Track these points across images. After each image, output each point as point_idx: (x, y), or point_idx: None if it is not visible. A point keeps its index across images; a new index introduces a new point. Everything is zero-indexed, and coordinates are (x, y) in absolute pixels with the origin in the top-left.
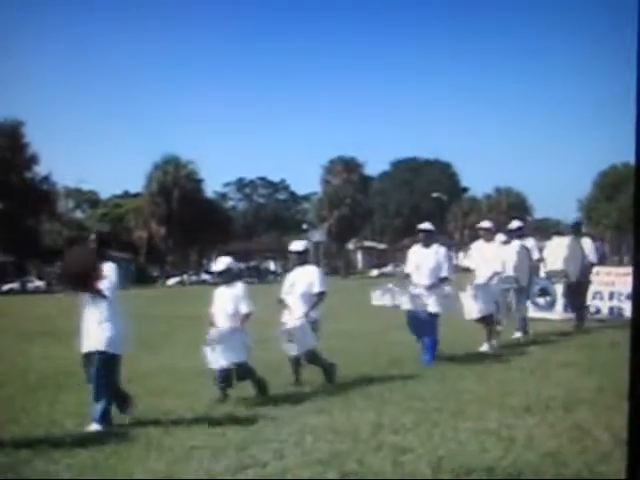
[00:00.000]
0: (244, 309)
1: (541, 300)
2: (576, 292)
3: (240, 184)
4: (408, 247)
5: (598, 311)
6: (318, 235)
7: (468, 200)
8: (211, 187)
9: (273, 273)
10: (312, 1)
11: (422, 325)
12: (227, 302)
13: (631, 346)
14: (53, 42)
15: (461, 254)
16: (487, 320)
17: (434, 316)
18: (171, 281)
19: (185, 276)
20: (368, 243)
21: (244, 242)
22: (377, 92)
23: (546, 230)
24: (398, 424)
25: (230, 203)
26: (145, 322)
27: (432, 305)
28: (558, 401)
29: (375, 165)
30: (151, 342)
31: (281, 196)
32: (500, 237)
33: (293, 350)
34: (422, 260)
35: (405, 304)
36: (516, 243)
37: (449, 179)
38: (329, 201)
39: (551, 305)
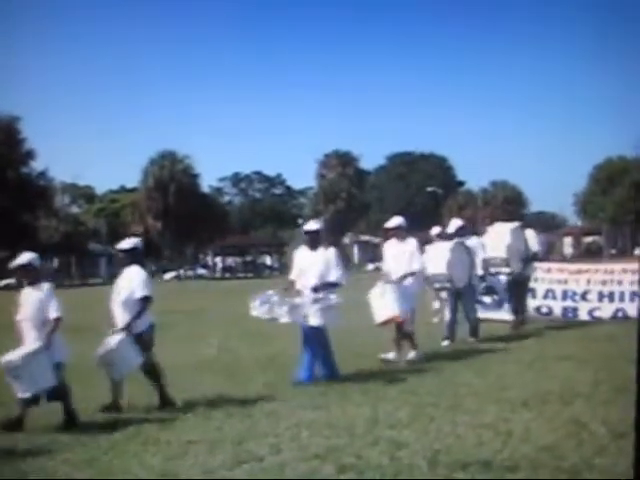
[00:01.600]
0: (52, 314)
1: (487, 299)
2: (517, 285)
3: (236, 179)
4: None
5: (550, 312)
6: None
7: (464, 194)
8: (207, 182)
9: (269, 267)
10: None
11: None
12: (33, 307)
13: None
14: (50, 39)
15: None
16: (398, 325)
17: (317, 330)
18: (167, 275)
19: (181, 271)
20: (364, 237)
21: (240, 237)
22: (372, 86)
23: (542, 224)
24: (394, 419)
25: (226, 198)
26: None
27: (313, 317)
28: (555, 395)
29: (371, 159)
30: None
31: (277, 191)
32: (435, 232)
33: (113, 375)
34: (308, 265)
35: (283, 316)
36: (450, 242)
37: (445, 173)
38: (325, 195)
39: (499, 304)
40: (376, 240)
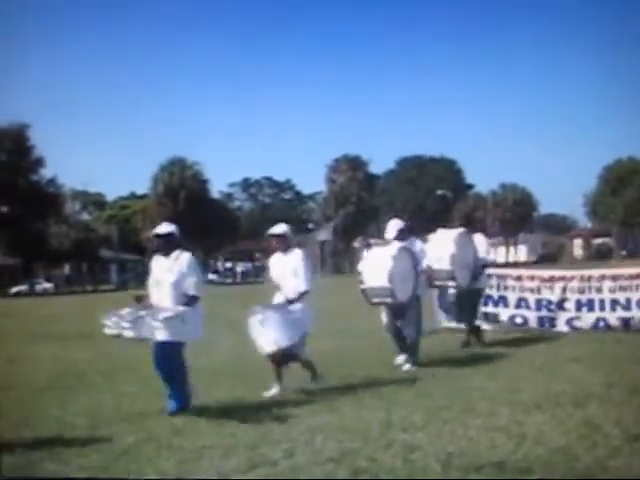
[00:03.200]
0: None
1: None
2: (466, 299)
3: (246, 184)
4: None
5: (525, 321)
6: (324, 234)
7: (473, 197)
8: (217, 187)
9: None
10: None
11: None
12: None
13: None
14: (59, 46)
15: None
16: (284, 357)
17: (164, 346)
18: None
19: None
20: (374, 241)
21: (250, 242)
22: (381, 90)
23: (553, 226)
24: (408, 422)
25: (236, 203)
26: None
27: (159, 331)
28: (567, 396)
29: (380, 163)
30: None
31: (287, 196)
32: (357, 244)
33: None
34: (162, 274)
35: (127, 330)
36: (392, 247)
37: (454, 176)
38: (335, 200)
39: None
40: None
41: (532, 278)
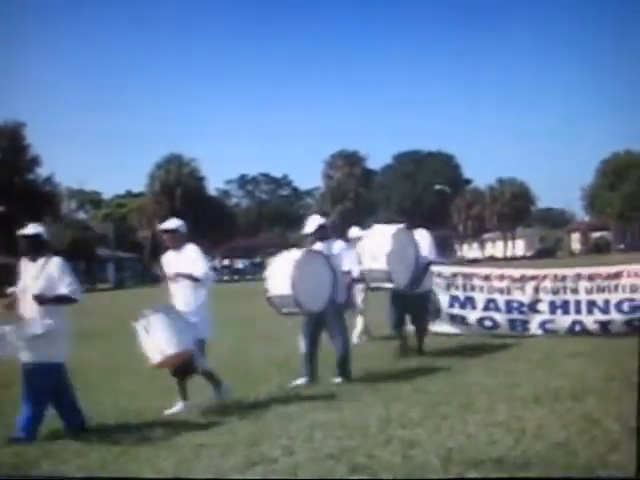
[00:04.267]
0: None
1: None
2: (408, 304)
3: (242, 181)
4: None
5: (495, 324)
6: None
7: (471, 192)
8: (213, 185)
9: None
10: None
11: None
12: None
13: None
14: (54, 43)
15: (465, 246)
16: (183, 368)
17: (33, 368)
18: None
19: None
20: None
21: (248, 239)
22: (377, 85)
23: (550, 220)
24: (406, 418)
25: (233, 200)
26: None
27: (24, 351)
28: (566, 391)
29: (377, 158)
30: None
31: (284, 192)
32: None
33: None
34: (29, 281)
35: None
36: (299, 251)
37: (452, 171)
38: (332, 195)
39: (435, 314)
40: None
41: (501, 278)
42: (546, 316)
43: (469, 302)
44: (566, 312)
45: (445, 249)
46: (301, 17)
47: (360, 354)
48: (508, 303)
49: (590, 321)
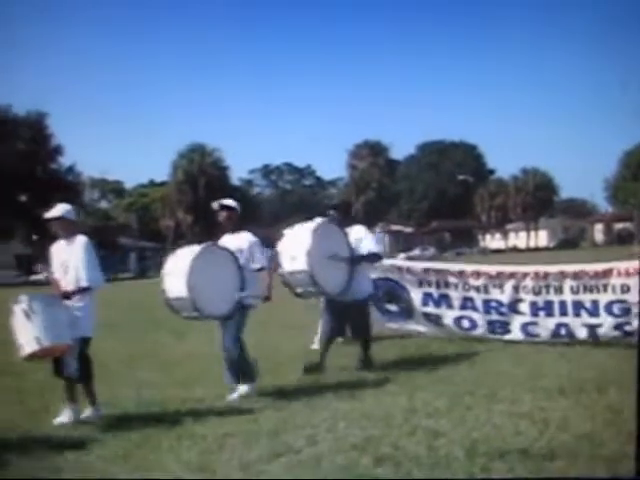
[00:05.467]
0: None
1: (392, 307)
2: (346, 310)
3: (266, 170)
4: (436, 230)
5: (474, 325)
6: None
7: (494, 182)
8: (237, 174)
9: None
10: None
11: None
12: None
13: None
14: (78, 35)
15: (488, 237)
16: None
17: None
18: None
19: None
20: (395, 227)
21: (270, 229)
22: (402, 75)
23: (573, 210)
24: (431, 408)
25: (256, 190)
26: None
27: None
28: (591, 382)
29: (401, 148)
30: (178, 330)
31: (307, 182)
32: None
33: None
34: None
35: None
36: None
37: (475, 161)
38: (355, 185)
39: (407, 313)
40: (407, 230)
41: (477, 275)
42: (528, 318)
43: (444, 300)
44: (550, 314)
45: (468, 239)
46: (325, 6)
47: (381, 344)
48: (486, 302)
49: (577, 324)
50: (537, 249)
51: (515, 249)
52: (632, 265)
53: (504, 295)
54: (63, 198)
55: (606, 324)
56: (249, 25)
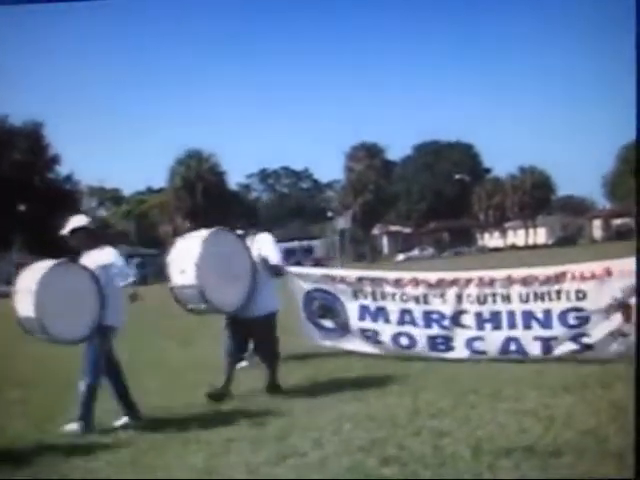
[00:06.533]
0: None
1: (327, 323)
2: (249, 327)
3: (263, 175)
4: (435, 230)
5: (413, 343)
6: (343, 222)
7: (491, 181)
8: (234, 179)
9: (298, 263)
10: None
11: None
12: None
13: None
14: (72, 41)
15: (487, 235)
16: None
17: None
18: None
19: None
20: (393, 228)
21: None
22: (397, 76)
23: (571, 208)
24: (435, 408)
25: (254, 194)
26: (175, 316)
27: None
28: (595, 378)
29: (397, 149)
30: (183, 336)
31: (304, 185)
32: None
33: None
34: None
35: None
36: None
37: (471, 160)
38: (352, 188)
39: (344, 329)
40: (406, 230)
41: (415, 283)
42: (473, 332)
43: (381, 314)
44: (497, 327)
45: (466, 239)
46: (321, 6)
47: None
48: (426, 315)
49: (528, 338)
50: (536, 247)
51: (514, 247)
52: (587, 268)
53: (446, 306)
54: (60, 207)
55: (561, 336)
56: (244, 28)
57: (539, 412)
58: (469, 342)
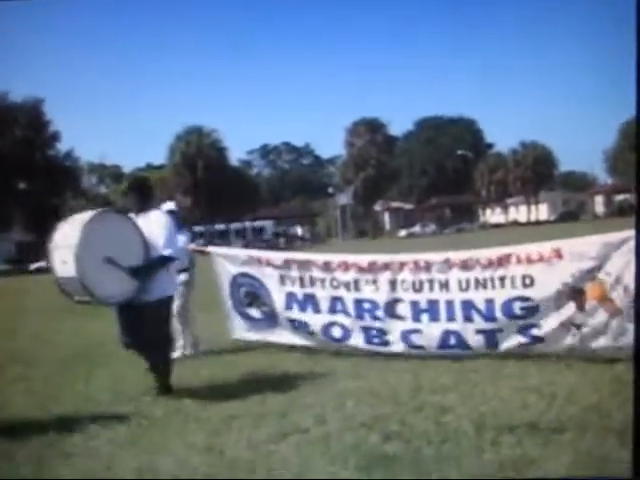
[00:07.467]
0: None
1: (255, 312)
2: (137, 317)
3: (264, 150)
4: (437, 206)
5: (347, 334)
6: (344, 198)
7: (493, 156)
8: (235, 155)
9: (301, 238)
10: None
11: None
12: None
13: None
14: (73, 19)
15: (488, 211)
16: None
17: None
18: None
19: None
20: (395, 204)
21: (270, 209)
22: (398, 52)
23: (573, 183)
24: (437, 384)
25: (255, 170)
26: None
27: None
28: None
29: (399, 125)
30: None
31: (306, 161)
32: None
33: None
34: None
35: None
36: None
37: (474, 136)
38: (354, 163)
39: (272, 319)
40: (407, 206)
41: (345, 267)
42: (408, 324)
43: (310, 302)
44: (435, 318)
45: (468, 215)
46: None
47: None
48: (358, 303)
49: (469, 331)
50: (538, 222)
51: (516, 223)
52: (534, 249)
53: (379, 293)
54: (61, 184)
55: (506, 329)
56: (243, 4)
57: (542, 388)
58: (405, 335)
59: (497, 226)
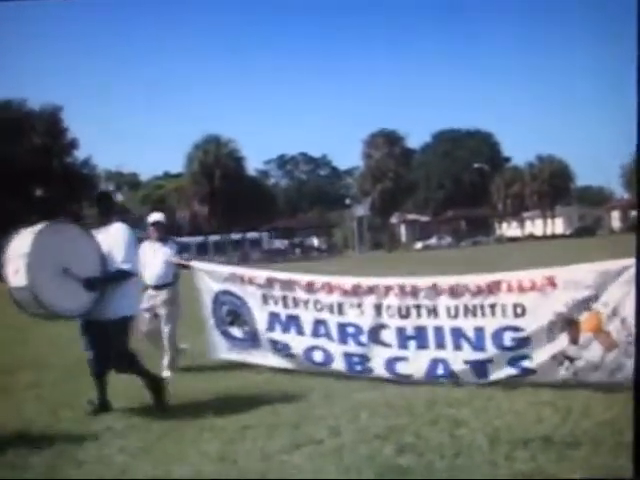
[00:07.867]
0: None
1: (236, 331)
2: (98, 335)
3: (281, 161)
4: (453, 219)
5: (329, 359)
6: (361, 209)
7: (510, 170)
8: (253, 165)
9: (317, 249)
10: None
11: None
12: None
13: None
14: (91, 27)
15: (505, 225)
16: None
17: None
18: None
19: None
20: (411, 216)
21: (287, 219)
22: (417, 63)
23: (589, 198)
24: (452, 398)
25: (272, 180)
26: (188, 303)
27: None
28: None
29: (417, 138)
30: (197, 323)
31: (323, 172)
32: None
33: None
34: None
35: None
36: None
37: (491, 149)
38: (371, 175)
39: (254, 340)
40: (424, 219)
41: (329, 288)
42: (394, 351)
43: (293, 324)
44: (422, 345)
45: (484, 228)
46: None
47: None
48: (341, 328)
49: (458, 361)
50: (554, 237)
51: (532, 237)
52: (527, 277)
53: (364, 318)
54: (78, 191)
55: (496, 360)
56: (261, 15)
57: (556, 403)
58: (389, 363)
59: (513, 239)
